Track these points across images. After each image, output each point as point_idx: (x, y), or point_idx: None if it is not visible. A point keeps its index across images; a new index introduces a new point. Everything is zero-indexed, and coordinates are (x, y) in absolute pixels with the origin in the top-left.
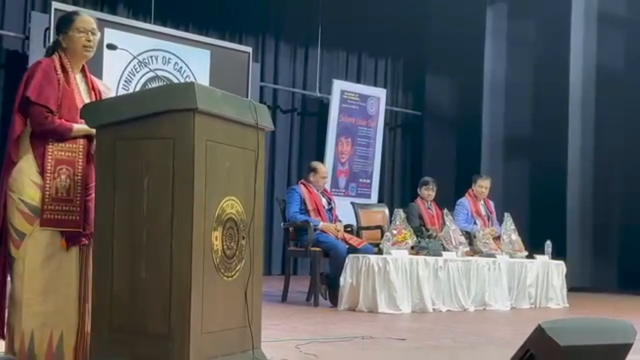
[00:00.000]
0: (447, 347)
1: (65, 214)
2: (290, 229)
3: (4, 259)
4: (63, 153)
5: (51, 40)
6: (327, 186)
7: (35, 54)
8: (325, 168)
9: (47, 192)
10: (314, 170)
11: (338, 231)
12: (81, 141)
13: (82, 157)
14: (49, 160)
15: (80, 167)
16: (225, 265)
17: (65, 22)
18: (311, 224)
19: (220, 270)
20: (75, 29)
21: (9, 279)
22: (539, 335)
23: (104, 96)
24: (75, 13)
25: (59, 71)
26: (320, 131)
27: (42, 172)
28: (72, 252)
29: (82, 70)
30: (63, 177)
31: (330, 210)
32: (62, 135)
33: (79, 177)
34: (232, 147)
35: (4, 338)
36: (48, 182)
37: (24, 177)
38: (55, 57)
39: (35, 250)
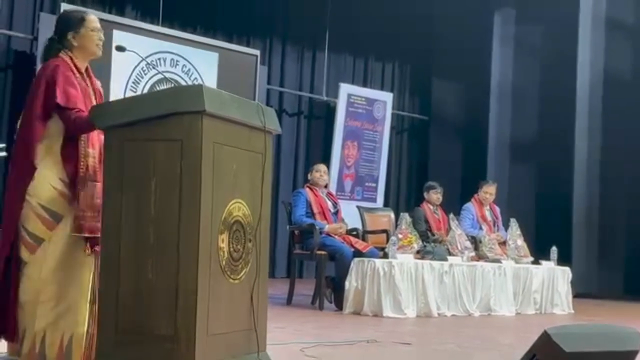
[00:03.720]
0: (452, 352)
1: (92, 219)
2: (296, 232)
3: (14, 264)
4: (91, 159)
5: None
6: (333, 189)
7: None
8: (324, 167)
9: (82, 200)
10: (311, 169)
11: (340, 228)
12: (98, 146)
13: (100, 163)
14: (82, 167)
15: (99, 173)
16: (232, 267)
17: (76, 21)
18: (317, 227)
19: (227, 272)
20: (89, 27)
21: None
22: (545, 341)
23: (103, 97)
24: (84, 12)
25: (76, 73)
26: (326, 135)
27: (73, 179)
28: (89, 257)
29: (86, 70)
30: (90, 183)
31: (336, 213)
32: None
33: (100, 183)
34: (239, 150)
35: (14, 341)
36: (82, 189)
37: (44, 183)
38: (66, 57)
39: (53, 255)
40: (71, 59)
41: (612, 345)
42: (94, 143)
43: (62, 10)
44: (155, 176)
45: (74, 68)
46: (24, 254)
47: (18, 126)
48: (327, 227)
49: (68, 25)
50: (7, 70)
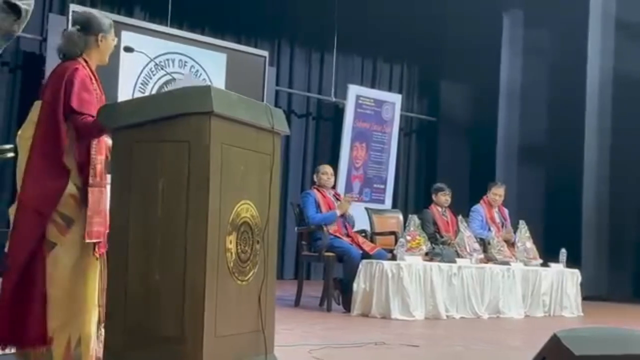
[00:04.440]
0: (460, 354)
1: (99, 224)
2: (304, 233)
3: (41, 265)
4: (99, 166)
5: None
6: (341, 191)
7: (53, 55)
8: (330, 168)
9: (90, 205)
10: (317, 171)
11: (346, 203)
12: (104, 152)
13: (105, 169)
14: (92, 174)
15: (105, 179)
16: (239, 269)
17: (107, 25)
18: (326, 226)
19: (234, 274)
20: (113, 36)
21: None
22: (554, 345)
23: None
24: (107, 17)
25: (92, 77)
26: (335, 136)
27: (84, 184)
28: (96, 260)
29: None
30: (97, 189)
31: (343, 214)
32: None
33: (104, 189)
34: (247, 151)
35: (47, 344)
36: (91, 194)
37: None
38: (82, 60)
39: (64, 259)
40: (86, 62)
41: (622, 348)
42: (101, 149)
43: (70, 11)
44: (162, 177)
45: (89, 72)
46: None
47: (32, 123)
48: (338, 212)
49: (100, 26)
50: (16, 71)
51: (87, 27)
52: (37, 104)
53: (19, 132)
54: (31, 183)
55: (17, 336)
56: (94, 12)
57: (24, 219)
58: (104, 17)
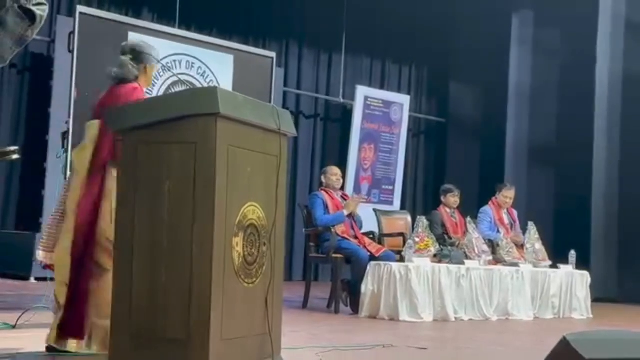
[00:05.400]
0: (469, 356)
1: None
2: (312, 234)
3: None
4: None
5: (76, 44)
6: (349, 192)
7: (61, 57)
8: (338, 169)
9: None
10: (324, 172)
11: (356, 201)
12: None
13: None
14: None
15: None
16: (246, 271)
17: (150, 55)
18: (333, 227)
19: (241, 276)
20: (158, 66)
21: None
22: (564, 348)
23: None
24: (152, 47)
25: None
26: (343, 137)
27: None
28: None
29: None
30: None
31: (350, 214)
32: None
33: None
34: (254, 153)
35: (82, 338)
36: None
37: (108, 214)
38: (136, 84)
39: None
40: (140, 86)
41: (632, 352)
42: None
43: (77, 13)
44: (169, 179)
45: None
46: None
47: (91, 143)
48: (345, 212)
49: (148, 56)
50: (24, 73)
51: (138, 57)
52: (93, 124)
53: (74, 153)
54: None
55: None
56: (142, 43)
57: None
58: (151, 48)
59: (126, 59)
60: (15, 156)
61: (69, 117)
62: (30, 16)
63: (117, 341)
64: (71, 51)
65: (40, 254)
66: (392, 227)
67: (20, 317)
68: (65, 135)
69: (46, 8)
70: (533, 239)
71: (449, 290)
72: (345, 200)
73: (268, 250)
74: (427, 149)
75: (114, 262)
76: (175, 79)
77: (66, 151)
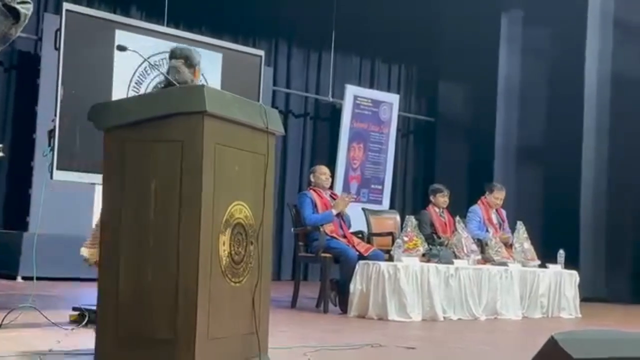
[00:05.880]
0: (458, 356)
1: None
2: (300, 234)
3: None
4: None
5: (63, 41)
6: (338, 191)
7: (47, 55)
8: (326, 169)
9: None
10: (313, 172)
11: (345, 199)
12: None
13: None
14: None
15: None
16: (233, 270)
17: (196, 58)
18: (322, 227)
19: (228, 275)
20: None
21: None
22: (552, 347)
23: None
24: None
25: None
26: (332, 136)
27: None
28: None
29: None
30: None
31: (340, 213)
32: None
33: None
34: (241, 151)
35: None
36: None
37: None
38: None
39: None
40: None
41: (621, 351)
42: None
43: (64, 10)
44: (155, 177)
45: None
46: None
47: None
48: (334, 211)
49: (196, 59)
50: (11, 71)
51: (189, 61)
52: None
53: None
54: None
55: None
56: (189, 47)
57: None
58: (196, 53)
59: (179, 63)
60: (0, 154)
61: (55, 115)
62: (15, 14)
63: (103, 340)
64: (58, 49)
65: (84, 252)
66: (380, 226)
67: (5, 317)
68: (51, 133)
69: (30, 6)
70: (522, 238)
71: (437, 289)
72: (334, 199)
73: (255, 249)
74: (416, 148)
75: (100, 261)
76: (162, 77)
77: (52, 149)
